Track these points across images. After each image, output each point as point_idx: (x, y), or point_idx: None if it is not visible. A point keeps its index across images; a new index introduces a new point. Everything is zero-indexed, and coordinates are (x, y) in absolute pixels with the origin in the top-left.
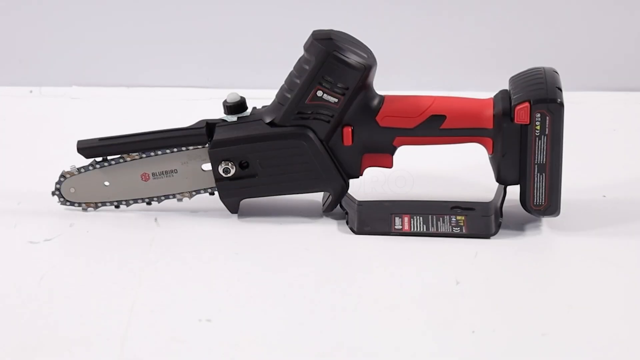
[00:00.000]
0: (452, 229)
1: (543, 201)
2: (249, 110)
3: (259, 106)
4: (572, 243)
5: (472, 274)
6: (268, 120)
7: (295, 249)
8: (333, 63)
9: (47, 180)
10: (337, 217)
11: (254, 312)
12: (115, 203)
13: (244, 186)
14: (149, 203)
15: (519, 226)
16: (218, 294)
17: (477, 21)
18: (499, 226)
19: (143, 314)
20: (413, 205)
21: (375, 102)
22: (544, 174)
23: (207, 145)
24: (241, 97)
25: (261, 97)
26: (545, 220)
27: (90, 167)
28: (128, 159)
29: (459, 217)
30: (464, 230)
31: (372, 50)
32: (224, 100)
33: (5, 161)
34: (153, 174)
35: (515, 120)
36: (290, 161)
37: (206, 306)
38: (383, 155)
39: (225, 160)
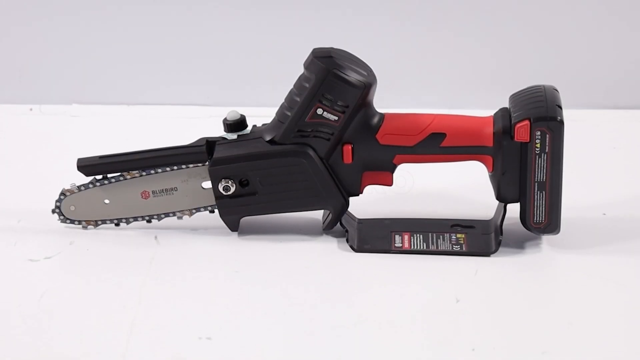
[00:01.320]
0: (452, 247)
1: (543, 219)
2: (249, 128)
3: (259, 124)
4: (572, 261)
5: (472, 292)
6: (268, 138)
7: (296, 266)
8: (333, 81)
9: (47, 198)
10: (337, 235)
11: (254, 330)
12: (116, 221)
13: (244, 204)
14: (149, 221)
15: (519, 244)
16: (218, 311)
17: (477, 39)
18: (499, 244)
19: (143, 332)
20: (413, 223)
21: (375, 120)
22: (544, 192)
23: (207, 163)
24: (241, 115)
25: (261, 115)
26: (546, 238)
27: (91, 185)
28: (128, 176)
29: (459, 235)
30: (464, 248)
31: (372, 68)
32: (224, 118)
33: (6, 179)
34: (153, 192)
35: (516, 138)
36: (290, 179)
37: (206, 324)
38: (383, 173)
39: (225, 178)
